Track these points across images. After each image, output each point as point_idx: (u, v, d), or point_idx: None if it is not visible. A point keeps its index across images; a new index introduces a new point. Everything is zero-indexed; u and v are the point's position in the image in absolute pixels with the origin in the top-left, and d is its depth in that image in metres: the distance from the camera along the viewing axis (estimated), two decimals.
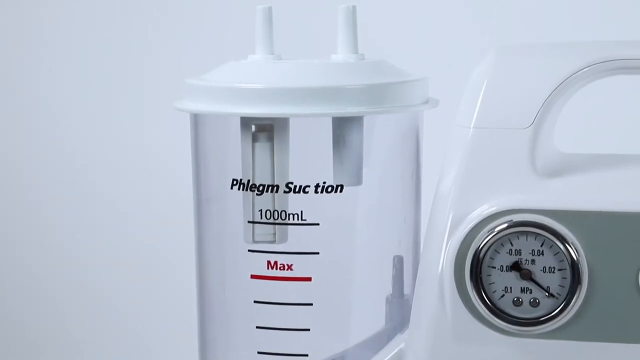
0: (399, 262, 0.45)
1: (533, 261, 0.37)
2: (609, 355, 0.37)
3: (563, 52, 0.42)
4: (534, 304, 0.37)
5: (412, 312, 0.41)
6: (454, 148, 0.40)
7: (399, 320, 0.44)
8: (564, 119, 0.46)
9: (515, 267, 0.37)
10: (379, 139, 0.43)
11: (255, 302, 0.42)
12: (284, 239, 0.42)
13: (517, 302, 0.37)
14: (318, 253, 0.42)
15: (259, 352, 0.43)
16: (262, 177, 0.42)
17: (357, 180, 0.42)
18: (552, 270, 0.37)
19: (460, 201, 0.39)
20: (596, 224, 0.37)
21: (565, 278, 0.37)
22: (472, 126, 0.39)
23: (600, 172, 0.40)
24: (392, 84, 0.42)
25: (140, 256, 1.21)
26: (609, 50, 0.40)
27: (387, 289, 0.45)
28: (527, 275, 0.37)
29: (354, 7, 0.42)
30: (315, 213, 0.42)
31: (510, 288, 0.37)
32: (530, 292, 0.37)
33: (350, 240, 0.44)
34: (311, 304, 0.42)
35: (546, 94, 0.39)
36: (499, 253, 0.37)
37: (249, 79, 0.41)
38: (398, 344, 0.42)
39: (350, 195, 0.42)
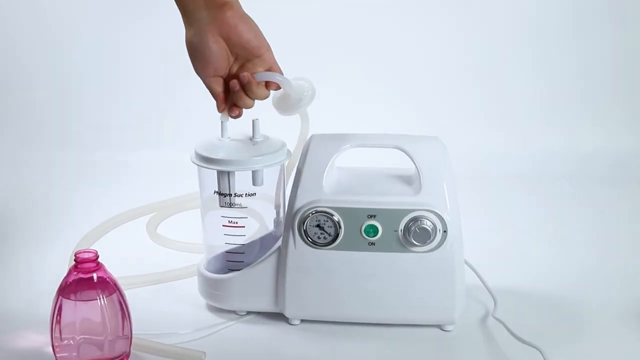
0: (278, 212, 1.11)
1: (322, 223, 1.03)
2: (345, 257, 1.04)
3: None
4: (323, 238, 1.03)
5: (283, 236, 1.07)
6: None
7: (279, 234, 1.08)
8: None
9: (318, 225, 1.03)
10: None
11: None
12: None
13: (319, 237, 1.03)
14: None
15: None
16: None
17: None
18: (330, 227, 1.03)
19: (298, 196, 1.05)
20: (346, 211, 1.03)
21: (332, 228, 1.03)
22: None
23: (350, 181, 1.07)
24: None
25: None
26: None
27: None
28: (321, 228, 1.03)
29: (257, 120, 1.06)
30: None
31: (315, 232, 1.04)
32: (323, 234, 1.03)
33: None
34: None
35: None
36: (313, 218, 1.03)
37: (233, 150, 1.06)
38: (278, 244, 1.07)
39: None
